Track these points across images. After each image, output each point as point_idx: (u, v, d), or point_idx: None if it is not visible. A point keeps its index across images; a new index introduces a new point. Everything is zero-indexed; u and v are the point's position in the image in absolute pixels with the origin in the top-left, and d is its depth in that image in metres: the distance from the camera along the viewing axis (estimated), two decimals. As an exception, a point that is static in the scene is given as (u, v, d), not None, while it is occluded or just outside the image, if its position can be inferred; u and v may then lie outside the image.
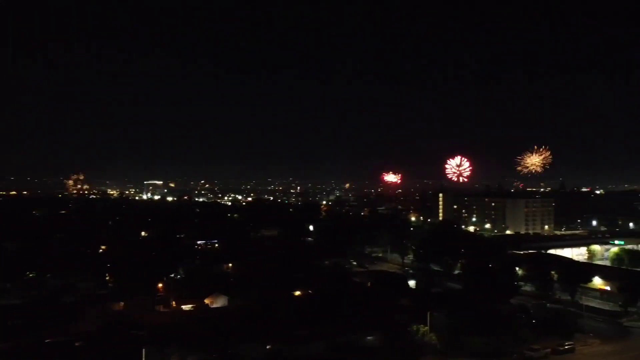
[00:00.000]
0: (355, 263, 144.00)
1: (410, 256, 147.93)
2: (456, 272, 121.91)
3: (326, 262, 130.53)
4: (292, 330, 70.31)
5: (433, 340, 72.25)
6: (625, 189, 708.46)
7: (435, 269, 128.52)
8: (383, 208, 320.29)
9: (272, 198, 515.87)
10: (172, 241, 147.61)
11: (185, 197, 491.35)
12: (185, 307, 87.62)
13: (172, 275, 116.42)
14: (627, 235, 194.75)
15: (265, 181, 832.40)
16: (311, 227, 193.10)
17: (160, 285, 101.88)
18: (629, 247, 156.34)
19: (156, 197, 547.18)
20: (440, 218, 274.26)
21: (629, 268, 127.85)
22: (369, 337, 71.56)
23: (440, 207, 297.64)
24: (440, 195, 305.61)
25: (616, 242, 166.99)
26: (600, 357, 71.81)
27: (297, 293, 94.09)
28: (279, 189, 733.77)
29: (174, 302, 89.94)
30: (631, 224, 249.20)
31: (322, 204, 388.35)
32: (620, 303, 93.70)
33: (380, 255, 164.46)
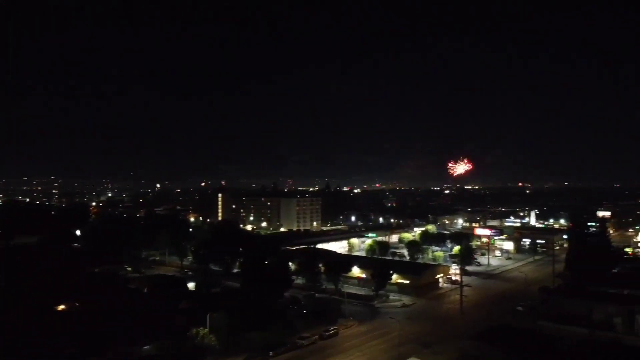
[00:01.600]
0: (130, 268, 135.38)
1: (190, 258, 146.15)
2: (235, 270, 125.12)
3: (97, 270, 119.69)
4: (56, 351, 62.79)
5: (212, 342, 73.12)
6: (376, 188, 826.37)
7: (216, 269, 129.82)
8: (161, 209, 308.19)
9: (28, 199, 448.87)
10: None
11: None
12: None
13: None
14: (377, 228, 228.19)
15: (19, 180, 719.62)
16: (78, 232, 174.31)
17: None
18: (380, 238, 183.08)
19: None
20: (220, 218, 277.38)
21: (379, 257, 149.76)
22: (145, 347, 68.53)
23: (220, 206, 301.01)
24: (220, 195, 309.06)
25: (369, 234, 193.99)
26: (357, 336, 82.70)
27: (62, 307, 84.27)
28: (37, 189, 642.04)
29: None
30: (381, 219, 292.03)
31: (92, 206, 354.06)
32: (372, 288, 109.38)
33: (157, 258, 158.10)
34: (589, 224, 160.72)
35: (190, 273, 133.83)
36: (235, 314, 77.06)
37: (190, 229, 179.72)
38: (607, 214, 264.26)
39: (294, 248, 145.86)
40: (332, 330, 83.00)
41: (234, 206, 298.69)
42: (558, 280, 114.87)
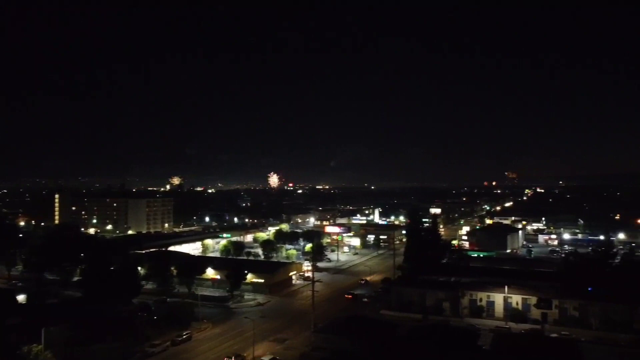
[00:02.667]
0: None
1: (20, 267, 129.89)
2: (76, 279, 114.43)
3: None
4: None
5: (49, 359, 66.13)
6: (231, 188, 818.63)
7: (52, 278, 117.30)
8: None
9: None
10: None
11: None
12: None
13: None
14: (232, 228, 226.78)
15: None
16: None
17: None
18: (234, 238, 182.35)
19: None
20: (57, 221, 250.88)
21: (234, 257, 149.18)
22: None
23: (57, 209, 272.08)
24: (57, 196, 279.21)
25: (224, 235, 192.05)
26: (211, 339, 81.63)
27: None
28: None
29: None
30: (236, 219, 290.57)
31: None
32: (227, 289, 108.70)
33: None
34: (424, 220, 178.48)
35: (20, 284, 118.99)
36: (76, 325, 70.69)
37: (21, 235, 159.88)
38: (438, 211, 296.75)
39: (144, 251, 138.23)
40: (185, 335, 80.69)
41: (74, 208, 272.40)
42: (398, 272, 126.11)
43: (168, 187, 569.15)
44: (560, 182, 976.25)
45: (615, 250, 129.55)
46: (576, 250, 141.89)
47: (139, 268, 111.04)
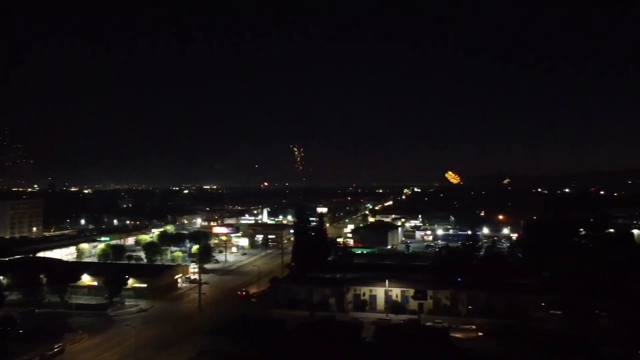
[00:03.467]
0: None
1: None
2: None
3: None
4: None
5: None
6: (111, 188, 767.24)
7: None
8: None
9: None
10: None
11: None
12: None
13: None
14: (112, 231, 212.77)
15: None
16: None
17: None
18: (114, 242, 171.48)
19: None
20: None
21: (114, 262, 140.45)
22: None
23: None
24: None
25: (102, 238, 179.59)
26: (88, 350, 76.11)
27: None
28: None
29: None
30: (116, 221, 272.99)
31: None
32: (106, 296, 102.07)
33: None
34: (311, 219, 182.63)
35: None
36: None
37: None
38: (325, 210, 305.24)
39: (7, 259, 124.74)
40: (56, 348, 74.25)
41: None
42: (286, 270, 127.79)
43: (36, 187, 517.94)
44: (436, 184, 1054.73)
45: (480, 243, 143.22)
46: (448, 244, 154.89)
47: (1, 277, 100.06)
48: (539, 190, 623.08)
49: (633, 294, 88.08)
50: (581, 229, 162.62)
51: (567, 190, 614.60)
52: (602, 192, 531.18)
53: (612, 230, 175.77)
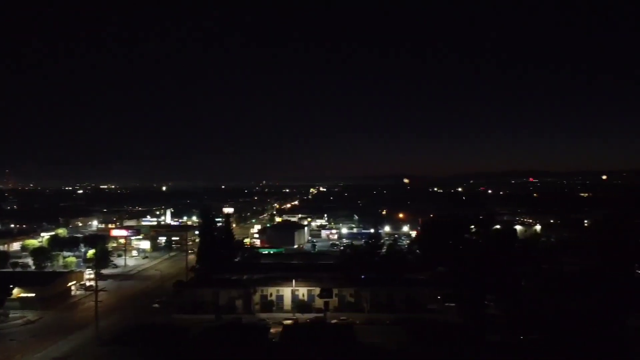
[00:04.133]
0: None
1: None
2: None
3: None
4: None
5: None
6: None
7: None
8: None
9: None
10: None
11: None
12: None
13: None
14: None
15: None
16: None
17: None
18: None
19: None
20: None
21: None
22: None
23: None
24: None
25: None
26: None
27: None
28: None
29: None
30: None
31: None
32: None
33: None
34: (217, 219, 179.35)
35: None
36: None
37: None
38: (231, 210, 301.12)
39: None
40: None
41: None
42: (191, 273, 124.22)
43: None
44: (341, 184, 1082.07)
45: (382, 241, 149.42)
46: (352, 243, 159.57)
47: None
48: (435, 189, 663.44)
49: (516, 284, 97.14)
50: (472, 226, 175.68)
51: (459, 189, 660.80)
52: (489, 191, 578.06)
53: (498, 226, 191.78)
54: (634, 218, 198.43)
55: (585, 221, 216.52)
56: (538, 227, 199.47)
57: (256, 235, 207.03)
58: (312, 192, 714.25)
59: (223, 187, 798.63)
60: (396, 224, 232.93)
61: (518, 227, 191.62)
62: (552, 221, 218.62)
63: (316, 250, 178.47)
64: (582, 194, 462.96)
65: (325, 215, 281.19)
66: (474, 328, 78.56)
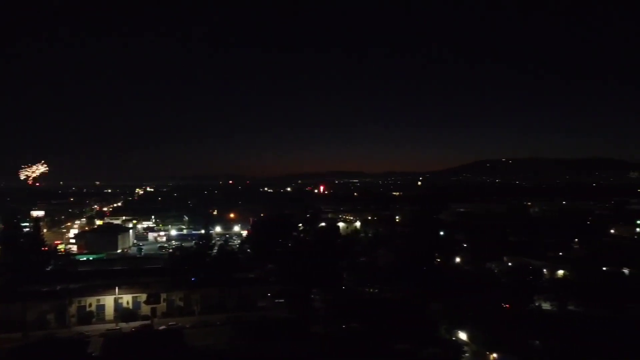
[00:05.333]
0: None
1: None
2: None
3: None
4: None
5: None
6: None
7: None
8: None
9: None
10: None
11: None
12: None
13: None
14: None
15: None
16: None
17: None
18: None
19: None
20: None
21: None
22: None
23: None
24: None
25: None
26: None
27: None
28: None
29: None
30: None
31: None
32: None
33: None
34: (23, 224, 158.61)
35: None
36: None
37: None
38: (41, 213, 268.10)
39: None
40: None
41: None
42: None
43: None
44: (170, 184, 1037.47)
45: (213, 242, 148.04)
46: (182, 244, 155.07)
47: None
48: (266, 189, 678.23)
49: (338, 277, 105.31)
50: (300, 224, 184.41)
51: (289, 189, 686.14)
52: (315, 191, 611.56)
53: (323, 224, 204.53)
54: (435, 214, 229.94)
55: (397, 217, 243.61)
56: (358, 224, 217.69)
57: (73, 241, 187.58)
58: (138, 192, 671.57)
59: (31, 188, 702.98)
60: (227, 224, 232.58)
61: (341, 224, 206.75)
62: (369, 218, 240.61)
63: (143, 254, 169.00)
64: (394, 193, 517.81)
65: (153, 216, 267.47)
66: (301, 321, 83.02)
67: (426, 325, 75.78)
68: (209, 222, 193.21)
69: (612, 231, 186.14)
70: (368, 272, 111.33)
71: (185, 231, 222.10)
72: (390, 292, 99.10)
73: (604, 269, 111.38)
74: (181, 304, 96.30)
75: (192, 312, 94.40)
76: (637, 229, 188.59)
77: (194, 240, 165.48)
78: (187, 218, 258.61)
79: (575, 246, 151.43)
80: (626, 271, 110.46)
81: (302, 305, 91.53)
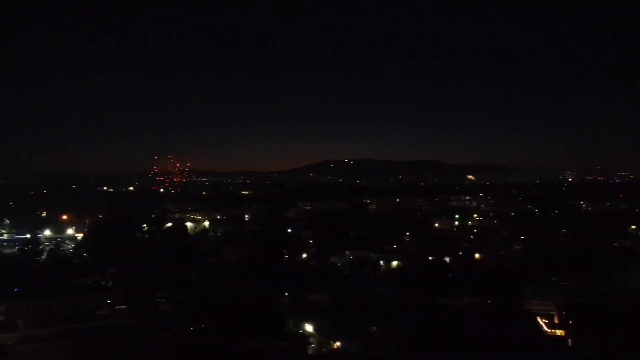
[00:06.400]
0: None
1: None
2: None
3: None
4: None
5: None
6: None
7: None
8: None
9: None
10: None
11: None
12: None
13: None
14: None
15: None
16: None
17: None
18: None
19: None
20: None
21: None
22: None
23: None
24: None
25: None
26: None
27: None
28: None
29: None
30: None
31: None
32: None
33: None
34: None
35: None
36: None
37: None
38: None
39: None
40: None
41: None
42: None
43: None
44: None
45: (42, 247, 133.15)
46: (1, 251, 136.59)
47: None
48: (105, 188, 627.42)
49: (186, 278, 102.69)
50: (144, 225, 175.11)
51: (131, 188, 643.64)
52: (161, 190, 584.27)
53: (170, 224, 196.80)
54: (283, 212, 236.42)
55: (246, 216, 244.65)
56: (207, 223, 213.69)
57: None
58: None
59: None
60: (59, 227, 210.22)
61: (189, 224, 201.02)
62: (218, 217, 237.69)
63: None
64: (243, 192, 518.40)
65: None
66: (147, 326, 79.07)
67: (275, 321, 77.80)
68: (38, 225, 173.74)
69: (436, 225, 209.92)
70: (217, 271, 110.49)
71: (6, 236, 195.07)
72: (240, 290, 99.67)
73: (430, 258, 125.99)
74: (1, 318, 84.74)
75: (16, 327, 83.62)
76: (456, 222, 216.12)
77: (17, 246, 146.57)
78: (8, 221, 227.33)
79: (407, 239, 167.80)
80: (447, 259, 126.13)
81: (147, 310, 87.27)
